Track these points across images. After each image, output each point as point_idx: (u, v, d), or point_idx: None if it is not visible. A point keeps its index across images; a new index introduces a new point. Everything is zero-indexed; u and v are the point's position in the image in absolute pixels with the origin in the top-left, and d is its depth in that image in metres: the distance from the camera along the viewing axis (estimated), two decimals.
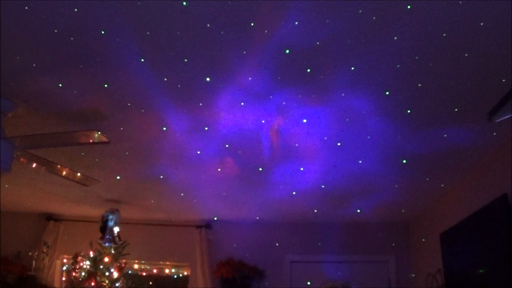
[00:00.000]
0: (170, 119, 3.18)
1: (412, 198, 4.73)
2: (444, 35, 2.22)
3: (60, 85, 2.75)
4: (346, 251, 5.55)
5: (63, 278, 5.73)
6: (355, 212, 5.15)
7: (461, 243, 3.87)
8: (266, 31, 2.23)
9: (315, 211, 5.15)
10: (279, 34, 2.25)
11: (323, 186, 4.36)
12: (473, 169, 3.84)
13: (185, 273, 5.83)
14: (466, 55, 2.37)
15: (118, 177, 4.31)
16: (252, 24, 2.18)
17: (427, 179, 4.13)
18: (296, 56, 2.42)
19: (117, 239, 5.06)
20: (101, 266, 4.97)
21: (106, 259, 5.01)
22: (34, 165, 3.43)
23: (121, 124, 3.25)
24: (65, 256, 5.67)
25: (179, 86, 2.75)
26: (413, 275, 5.26)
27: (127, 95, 2.88)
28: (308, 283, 5.57)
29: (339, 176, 4.11)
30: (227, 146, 3.58)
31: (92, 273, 4.93)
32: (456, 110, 2.92)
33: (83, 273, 4.96)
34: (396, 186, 4.30)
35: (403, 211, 5.15)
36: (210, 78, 2.66)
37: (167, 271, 5.87)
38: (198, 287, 5.51)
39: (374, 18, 2.11)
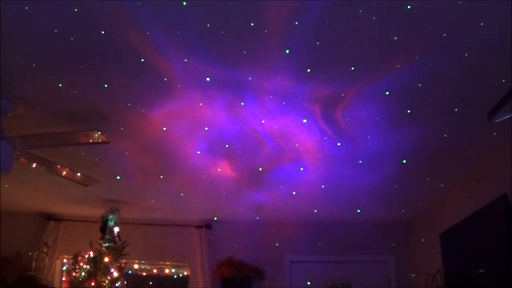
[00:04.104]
0: (170, 119, 3.18)
1: (412, 198, 4.73)
2: (444, 35, 2.22)
3: (60, 85, 2.75)
4: (346, 251, 5.55)
5: (63, 278, 5.73)
6: (355, 212, 5.15)
7: (461, 243, 3.87)
8: (266, 31, 2.23)
9: (315, 211, 5.15)
10: (279, 34, 2.25)
11: (323, 186, 4.36)
12: (473, 169, 3.84)
13: (185, 273, 5.82)
14: (466, 55, 2.37)
15: (118, 177, 4.31)
16: (252, 24, 2.18)
17: (427, 179, 4.13)
18: (296, 56, 2.42)
19: (117, 239, 5.06)
20: (101, 266, 4.97)
21: (106, 259, 5.01)
22: (34, 165, 3.43)
23: (121, 124, 3.25)
24: (65, 256, 5.67)
25: (179, 86, 2.75)
26: (413, 275, 5.26)
27: (127, 95, 2.88)
28: (308, 283, 5.56)
29: (339, 176, 4.11)
30: (227, 146, 3.58)
31: (92, 273, 4.93)
32: (456, 110, 2.92)
33: (83, 273, 4.95)
34: (396, 186, 4.30)
35: (403, 211, 5.15)
36: (210, 78, 2.66)
37: (167, 271, 5.87)
38: (198, 287, 5.51)
39: (374, 18, 2.11)
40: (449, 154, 3.59)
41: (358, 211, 5.11)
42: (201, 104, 2.95)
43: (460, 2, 2.00)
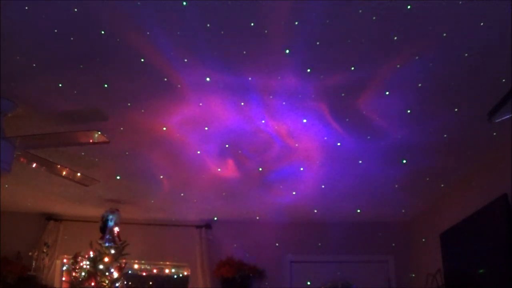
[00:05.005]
0: (170, 119, 3.18)
1: (412, 198, 4.73)
2: (444, 35, 2.22)
3: (60, 85, 2.75)
4: (346, 251, 5.55)
5: (63, 278, 5.73)
6: (355, 212, 5.15)
7: (461, 243, 3.87)
8: (266, 31, 2.23)
9: (315, 211, 5.15)
10: (279, 34, 2.25)
11: (323, 186, 4.36)
12: (473, 169, 3.84)
13: (185, 273, 5.83)
14: (466, 55, 2.37)
15: (118, 177, 4.31)
16: (252, 24, 2.18)
17: (427, 179, 4.13)
18: (296, 56, 2.43)
19: (117, 239, 5.06)
20: (101, 266, 4.97)
21: (106, 259, 5.01)
22: (34, 165, 3.43)
23: (121, 124, 3.25)
24: (65, 256, 5.67)
25: (179, 86, 2.75)
26: (413, 275, 5.26)
27: (127, 95, 2.88)
28: (308, 283, 5.57)
29: (339, 176, 4.12)
30: (227, 146, 3.58)
31: (92, 273, 4.94)
32: (456, 110, 2.92)
33: (83, 273, 4.96)
34: (396, 186, 4.30)
35: (403, 211, 5.15)
36: (210, 78, 2.66)
37: (167, 271, 5.87)
38: (198, 287, 5.51)
39: (374, 18, 2.11)
40: (449, 154, 3.59)
41: (358, 211, 5.12)
42: (201, 104, 2.95)
43: (460, 2, 2.00)
